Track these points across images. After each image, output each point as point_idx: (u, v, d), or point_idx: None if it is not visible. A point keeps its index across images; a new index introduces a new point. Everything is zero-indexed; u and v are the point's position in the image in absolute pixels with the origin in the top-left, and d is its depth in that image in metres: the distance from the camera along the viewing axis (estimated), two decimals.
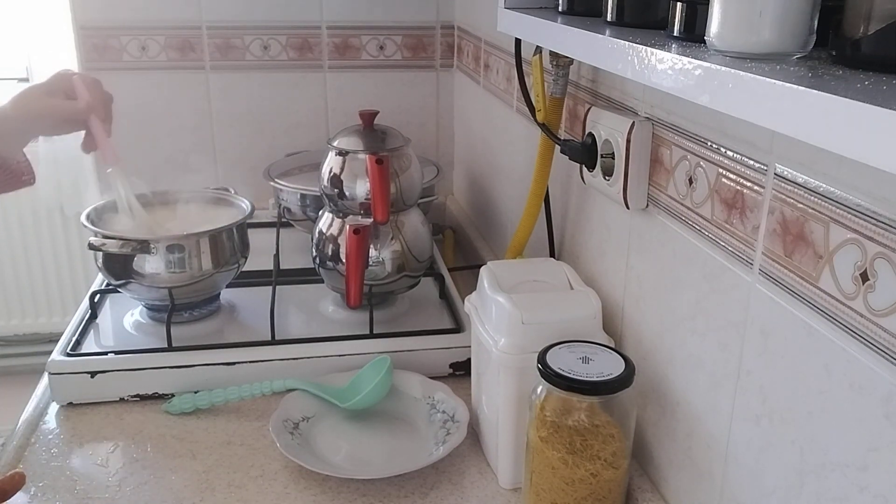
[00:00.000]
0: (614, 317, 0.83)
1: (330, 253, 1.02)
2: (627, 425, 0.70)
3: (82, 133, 0.96)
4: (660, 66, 0.54)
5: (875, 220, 0.46)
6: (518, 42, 0.94)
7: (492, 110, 1.30)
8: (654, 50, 0.54)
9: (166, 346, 0.96)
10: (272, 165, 1.35)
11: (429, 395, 0.91)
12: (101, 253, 0.97)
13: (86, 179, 1.87)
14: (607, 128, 0.77)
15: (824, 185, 0.50)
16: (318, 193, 1.05)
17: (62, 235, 2.26)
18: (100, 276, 1.12)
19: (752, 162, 0.57)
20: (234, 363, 0.95)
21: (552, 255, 1.01)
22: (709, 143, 0.63)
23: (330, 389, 0.91)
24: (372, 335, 1.00)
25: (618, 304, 0.82)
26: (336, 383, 0.93)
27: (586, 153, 0.81)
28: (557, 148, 0.88)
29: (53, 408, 0.93)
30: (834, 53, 0.46)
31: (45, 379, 0.95)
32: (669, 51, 0.53)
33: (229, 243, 1.03)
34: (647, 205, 0.74)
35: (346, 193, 1.00)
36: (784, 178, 0.54)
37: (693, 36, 0.55)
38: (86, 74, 0.99)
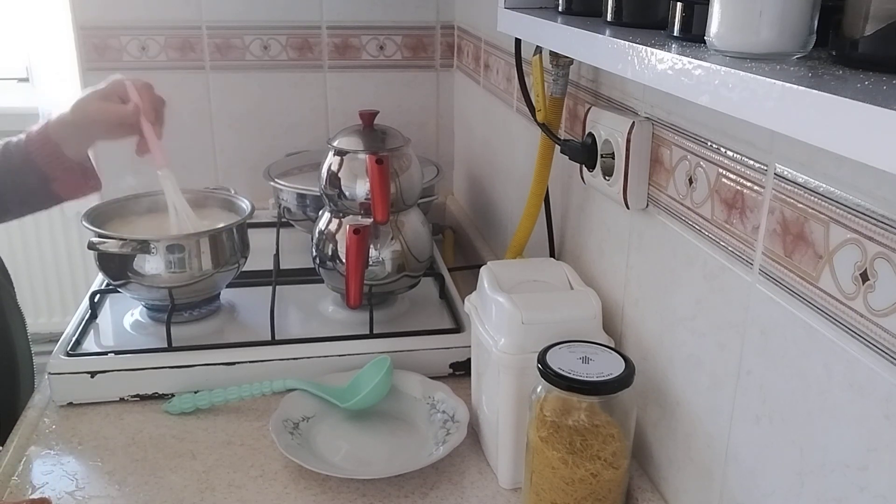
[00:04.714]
0: (614, 317, 0.83)
1: (330, 253, 1.02)
2: (627, 425, 0.70)
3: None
4: (660, 66, 0.54)
5: (875, 220, 0.46)
6: (518, 42, 0.94)
7: (492, 110, 1.30)
8: (654, 50, 0.54)
9: (166, 346, 0.96)
10: (272, 165, 1.35)
11: (429, 395, 0.91)
12: (100, 253, 0.97)
13: None
14: (607, 128, 0.77)
15: (824, 185, 0.50)
16: (318, 193, 1.05)
17: (62, 235, 2.26)
18: (100, 276, 1.12)
19: (752, 162, 0.57)
20: (234, 363, 0.95)
21: (552, 255, 1.01)
22: (709, 143, 0.63)
23: (330, 389, 0.91)
24: (372, 335, 1.00)
25: (618, 304, 0.82)
26: (336, 383, 0.93)
27: (586, 153, 0.81)
28: (557, 148, 0.88)
29: (53, 408, 0.93)
30: (834, 53, 0.46)
31: (45, 379, 0.95)
32: (669, 51, 0.53)
33: (229, 243, 1.03)
34: (647, 205, 0.74)
35: (346, 193, 1.00)
36: (784, 178, 0.54)
37: (693, 36, 0.55)
38: (138, 79, 1.00)
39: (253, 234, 1.10)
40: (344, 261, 0.98)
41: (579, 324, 0.76)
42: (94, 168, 1.03)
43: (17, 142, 0.99)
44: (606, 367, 0.69)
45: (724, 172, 0.61)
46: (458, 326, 1.03)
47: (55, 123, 0.98)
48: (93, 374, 0.92)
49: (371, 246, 0.99)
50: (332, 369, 0.96)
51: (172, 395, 0.94)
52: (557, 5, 0.81)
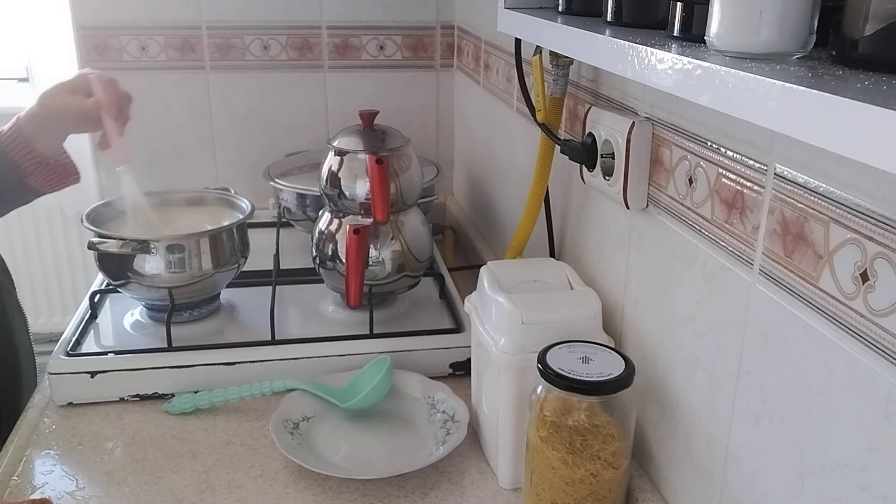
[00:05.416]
0: (614, 317, 0.83)
1: (330, 253, 1.02)
2: (627, 425, 0.70)
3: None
4: (660, 66, 0.54)
5: (875, 220, 0.46)
6: (518, 42, 0.94)
7: (492, 110, 1.30)
8: (654, 50, 0.54)
9: (166, 346, 0.96)
10: (272, 165, 1.35)
11: (429, 395, 0.91)
12: (100, 253, 0.97)
13: (86, 179, 1.87)
14: (607, 128, 0.77)
15: (824, 185, 0.50)
16: (318, 193, 1.05)
17: (62, 235, 2.26)
18: (100, 276, 1.12)
19: (752, 162, 0.57)
20: (234, 363, 0.95)
21: (552, 255, 1.01)
22: (709, 143, 0.63)
23: (330, 389, 0.91)
24: (372, 335, 1.00)
25: (618, 304, 0.82)
26: (336, 383, 0.93)
27: (586, 153, 0.81)
28: (557, 148, 0.88)
29: (53, 408, 0.93)
30: (834, 53, 0.46)
31: (45, 379, 0.95)
32: (669, 51, 0.53)
33: (229, 243, 1.03)
34: (647, 205, 0.74)
35: (346, 193, 1.00)
36: (784, 178, 0.54)
37: (693, 36, 0.55)
38: (102, 73, 1.00)
39: (253, 234, 1.10)
40: (344, 261, 0.98)
41: (579, 324, 0.76)
42: (71, 161, 1.03)
43: None
44: (606, 367, 0.69)
45: (724, 172, 0.61)
46: (458, 326, 1.03)
47: (25, 118, 0.98)
48: (93, 374, 0.92)
49: (371, 246, 0.99)
50: (332, 369, 0.96)
51: (172, 395, 0.94)
52: (557, 5, 0.81)
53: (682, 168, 0.67)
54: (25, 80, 2.17)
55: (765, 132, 0.55)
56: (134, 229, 1.01)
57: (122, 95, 1.00)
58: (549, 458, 0.69)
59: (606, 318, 0.81)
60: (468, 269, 1.29)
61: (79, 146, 1.06)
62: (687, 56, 0.50)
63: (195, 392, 0.93)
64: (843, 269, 0.49)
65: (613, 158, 0.76)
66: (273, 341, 0.98)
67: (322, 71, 1.53)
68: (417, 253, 1.04)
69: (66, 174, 1.03)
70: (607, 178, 0.77)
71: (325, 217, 1.04)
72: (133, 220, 1.01)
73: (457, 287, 1.15)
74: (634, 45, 0.57)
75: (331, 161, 1.01)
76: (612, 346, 0.75)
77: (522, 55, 0.94)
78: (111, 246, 0.95)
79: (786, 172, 0.54)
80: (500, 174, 1.28)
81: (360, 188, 0.99)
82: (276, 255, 1.17)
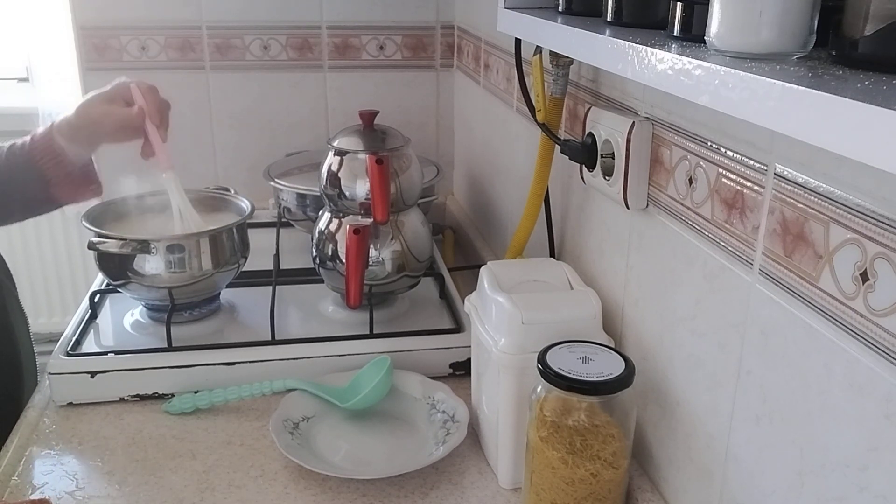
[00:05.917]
0: (614, 317, 0.83)
1: (330, 253, 1.02)
2: (627, 425, 0.70)
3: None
4: (660, 66, 0.54)
5: (875, 220, 0.46)
6: (518, 42, 0.94)
7: (492, 110, 1.30)
8: (654, 50, 0.54)
9: (166, 346, 0.96)
10: (272, 165, 1.35)
11: (429, 395, 0.91)
12: (100, 253, 0.97)
13: None
14: (607, 128, 0.77)
15: (824, 185, 0.50)
16: (318, 193, 1.05)
17: (62, 235, 2.26)
18: (100, 276, 1.12)
19: (752, 162, 0.57)
20: (234, 363, 0.95)
21: (552, 255, 1.01)
22: (709, 143, 0.63)
23: (330, 389, 0.91)
24: (372, 335, 1.00)
25: (618, 304, 0.82)
26: (336, 383, 0.93)
27: (586, 153, 0.81)
28: (557, 148, 0.88)
29: (53, 408, 0.93)
30: (834, 53, 0.46)
31: (45, 379, 0.95)
32: (669, 51, 0.53)
33: (229, 243, 1.03)
34: (647, 205, 0.74)
35: (346, 193, 1.00)
36: (784, 178, 0.54)
37: (693, 36, 0.55)
38: (143, 81, 1.00)
39: (253, 234, 1.10)
40: (344, 261, 0.98)
41: (579, 324, 0.76)
42: (95, 172, 1.04)
43: (21, 144, 0.99)
44: (606, 367, 0.69)
45: (724, 172, 0.61)
46: (458, 326, 1.03)
47: (59, 126, 0.98)
48: (93, 374, 0.92)
49: (371, 246, 0.99)
50: (332, 369, 0.96)
51: (172, 395, 0.94)
52: (557, 5, 0.81)
53: (682, 168, 0.67)
54: (25, 80, 2.17)
55: (765, 132, 0.55)
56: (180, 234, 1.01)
57: (163, 102, 1.00)
58: (549, 458, 0.69)
59: (606, 318, 0.81)
60: (468, 269, 1.29)
61: None
62: (687, 56, 0.50)
63: (195, 392, 0.93)
64: (843, 269, 0.49)
65: (613, 158, 0.76)
66: (273, 341, 0.98)
67: (322, 71, 1.53)
68: (417, 253, 1.04)
69: (88, 184, 1.02)
70: (607, 178, 0.77)
71: (325, 217, 1.04)
72: (181, 225, 1.02)
73: (457, 287, 1.15)
74: (634, 45, 0.57)
75: (331, 161, 1.01)
76: (612, 346, 0.75)
77: (522, 55, 0.94)
78: (111, 246, 0.95)
79: (786, 172, 0.54)
80: (500, 174, 1.28)
81: (360, 188, 0.99)
82: (276, 255, 1.17)
